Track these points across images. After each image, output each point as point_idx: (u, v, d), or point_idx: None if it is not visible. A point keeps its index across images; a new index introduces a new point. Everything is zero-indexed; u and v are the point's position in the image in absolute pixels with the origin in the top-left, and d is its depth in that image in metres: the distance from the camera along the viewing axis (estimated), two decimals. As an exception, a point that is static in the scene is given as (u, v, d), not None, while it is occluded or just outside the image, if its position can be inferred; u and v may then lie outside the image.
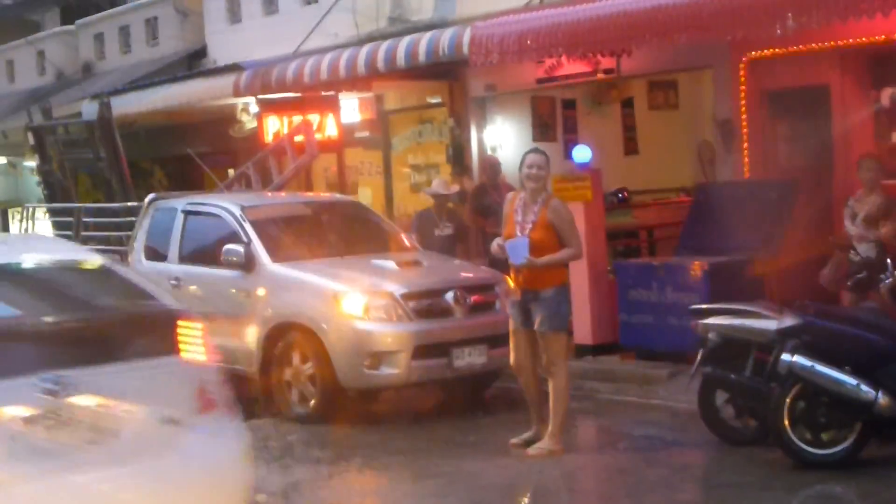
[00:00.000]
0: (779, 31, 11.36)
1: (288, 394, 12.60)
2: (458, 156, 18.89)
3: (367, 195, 21.05)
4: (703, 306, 11.01)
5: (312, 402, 12.40)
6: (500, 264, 11.76)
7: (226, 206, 13.92)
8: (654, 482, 9.83)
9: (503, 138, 18.67)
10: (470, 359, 12.39)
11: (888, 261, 11.29)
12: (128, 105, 21.19)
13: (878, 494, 9.15)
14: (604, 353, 14.16)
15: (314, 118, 18.42)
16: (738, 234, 13.52)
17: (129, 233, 15.03)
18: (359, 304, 12.21)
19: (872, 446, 9.82)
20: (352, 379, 12.25)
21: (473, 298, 12.61)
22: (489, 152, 18.37)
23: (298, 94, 18.57)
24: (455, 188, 16.39)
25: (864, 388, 9.56)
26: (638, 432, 11.51)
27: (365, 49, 16.98)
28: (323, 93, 18.54)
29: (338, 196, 17.05)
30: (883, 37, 13.07)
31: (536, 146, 12.83)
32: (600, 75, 16.53)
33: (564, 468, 10.50)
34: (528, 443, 10.87)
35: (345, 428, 12.13)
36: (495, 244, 10.94)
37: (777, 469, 9.80)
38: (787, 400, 9.75)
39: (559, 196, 11.55)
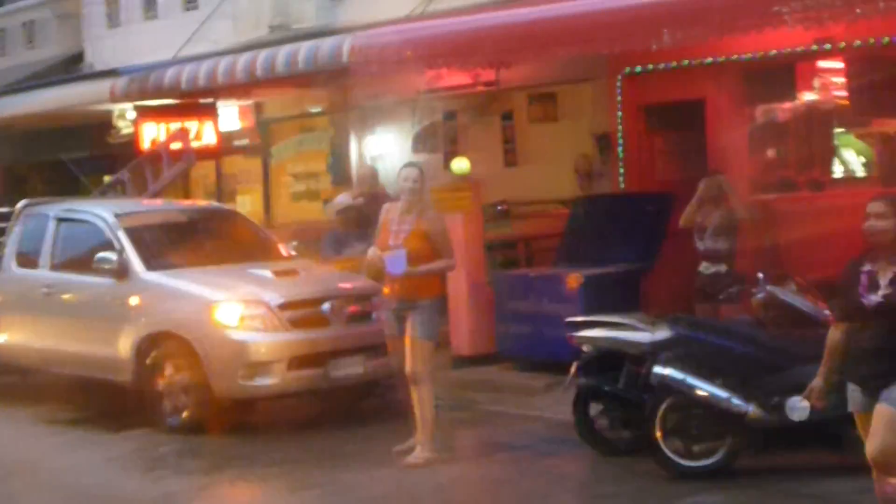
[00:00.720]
0: (655, 46, 11.46)
1: (162, 404, 12.43)
2: (339, 165, 18.82)
3: (246, 204, 20.88)
4: (579, 318, 11.10)
5: (186, 413, 12.27)
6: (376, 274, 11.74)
7: (99, 213, 13.73)
8: (530, 493, 9.87)
9: (384, 148, 18.64)
10: (347, 369, 12.36)
11: (760, 275, 11.46)
12: (3, 108, 20.85)
13: (749, 505, 9.28)
14: (482, 363, 14.18)
15: (192, 125, 18.26)
16: (614, 247, 13.65)
17: (1, 239, 14.73)
18: (234, 314, 12.11)
19: (744, 457, 9.94)
20: (227, 389, 12.13)
21: (351, 308, 12.58)
22: (369, 162, 18.33)
23: (177, 101, 18.38)
24: (360, 199, 15.28)
25: (736, 400, 9.68)
26: (514, 443, 11.55)
27: (244, 56, 16.86)
28: (201, 100, 18.37)
29: (214, 204, 16.93)
30: (759, 54, 13.27)
31: (412, 160, 12.89)
32: (481, 87, 16.57)
33: (441, 479, 10.49)
34: (412, 449, 10.90)
35: (219, 438, 12.00)
36: (372, 253, 10.96)
37: (650, 480, 9.88)
38: (660, 412, 9.85)
39: (439, 206, 11.59)
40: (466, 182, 14.64)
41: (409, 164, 11.38)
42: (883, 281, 7.29)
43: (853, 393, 7.44)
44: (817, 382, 7.66)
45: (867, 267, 7.35)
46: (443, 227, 10.97)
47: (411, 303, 10.73)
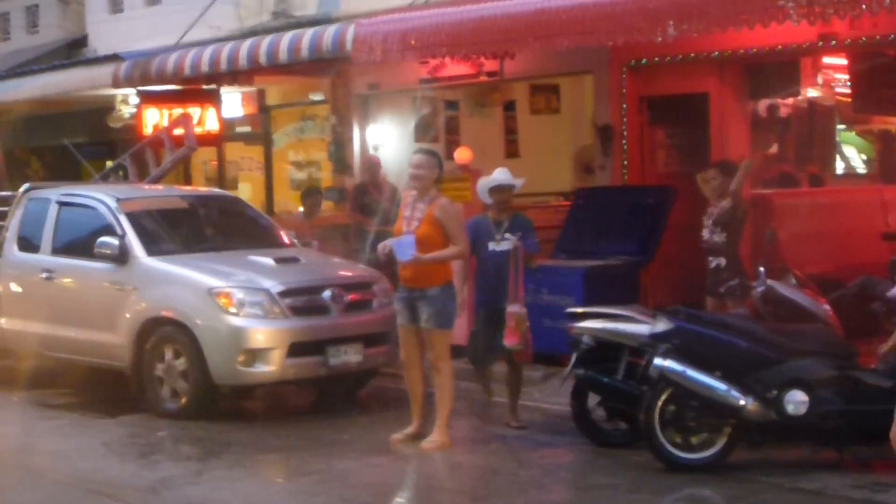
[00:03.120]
0: (659, 39, 11.43)
1: (160, 389, 12.43)
2: (340, 153, 18.82)
3: (247, 191, 20.88)
4: (579, 309, 11.12)
5: (184, 399, 12.27)
6: (387, 263, 11.69)
7: (101, 197, 13.71)
8: (526, 482, 9.88)
9: (385, 137, 18.64)
10: (345, 357, 12.35)
11: (761, 269, 11.47)
12: (5, 93, 20.82)
13: (745, 499, 9.27)
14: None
15: (194, 111, 18.25)
16: (615, 239, 13.64)
17: (2, 223, 14.70)
18: (234, 300, 12.11)
19: (741, 451, 9.95)
20: (225, 375, 12.13)
21: (350, 296, 12.58)
22: (371, 151, 18.33)
23: (179, 87, 18.36)
24: (522, 180, 12.23)
25: (734, 393, 9.70)
26: (511, 433, 11.55)
27: (247, 43, 16.80)
28: (204, 86, 18.36)
29: (215, 190, 16.91)
30: (763, 48, 13.25)
31: (425, 146, 12.81)
32: (483, 77, 16.57)
33: (436, 468, 10.52)
34: (412, 438, 10.96)
35: (217, 425, 12.00)
36: (381, 247, 10.99)
37: (646, 472, 9.90)
38: (658, 403, 9.86)
39: (441, 196, 11.55)
40: (468, 172, 14.63)
41: (421, 151, 11.36)
42: None
43: None
44: None
45: None
46: (455, 213, 10.95)
47: (421, 290, 10.75)
